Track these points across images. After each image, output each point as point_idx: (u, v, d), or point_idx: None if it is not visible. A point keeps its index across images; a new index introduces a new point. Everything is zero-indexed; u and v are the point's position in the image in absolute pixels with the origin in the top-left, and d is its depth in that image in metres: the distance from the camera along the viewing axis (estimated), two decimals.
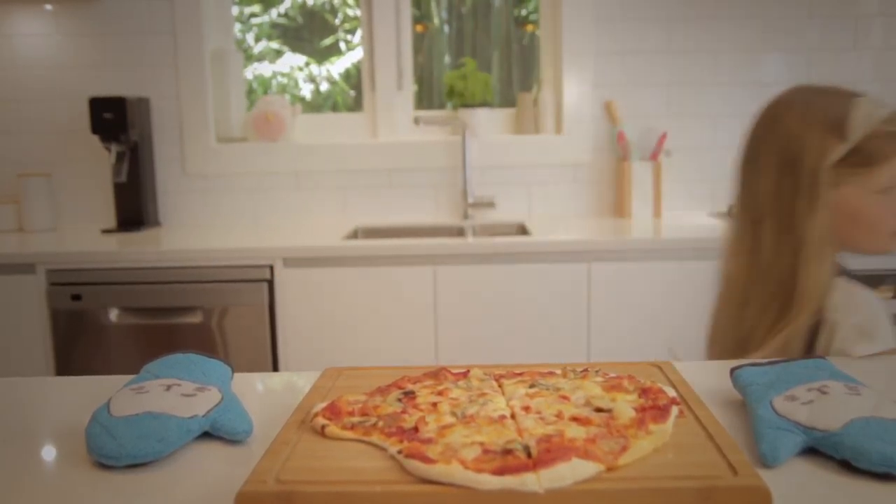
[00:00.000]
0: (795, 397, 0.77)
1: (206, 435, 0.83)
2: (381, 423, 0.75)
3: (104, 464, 0.76)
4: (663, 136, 2.70)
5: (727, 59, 2.77)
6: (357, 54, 3.12)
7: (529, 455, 0.65)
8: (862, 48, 2.76)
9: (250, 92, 3.09)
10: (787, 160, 1.22)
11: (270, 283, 2.28)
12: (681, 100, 2.79)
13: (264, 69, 3.24)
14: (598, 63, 2.77)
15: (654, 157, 2.71)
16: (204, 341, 2.28)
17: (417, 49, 2.99)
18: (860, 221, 1.23)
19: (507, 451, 0.66)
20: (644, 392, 0.80)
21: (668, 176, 2.76)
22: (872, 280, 2.21)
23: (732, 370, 0.89)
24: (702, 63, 2.77)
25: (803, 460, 0.73)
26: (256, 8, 3.29)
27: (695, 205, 2.82)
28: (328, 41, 3.19)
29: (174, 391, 0.85)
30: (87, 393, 0.96)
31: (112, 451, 0.75)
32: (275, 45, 3.23)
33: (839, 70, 2.76)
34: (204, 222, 2.84)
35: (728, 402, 0.89)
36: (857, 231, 1.24)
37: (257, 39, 3.27)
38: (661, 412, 0.74)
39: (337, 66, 3.22)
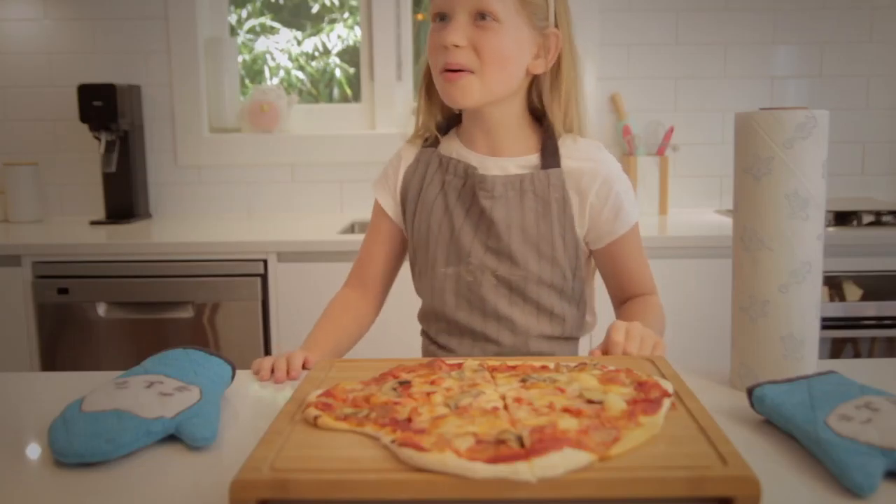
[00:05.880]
0: (849, 416, 0.70)
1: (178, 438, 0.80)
2: (373, 415, 0.75)
3: (59, 461, 0.74)
4: (670, 131, 2.63)
5: (737, 52, 2.70)
6: (350, 33, 3.04)
7: (522, 445, 0.66)
8: (878, 41, 2.69)
9: (248, 74, 3.00)
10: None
11: (264, 277, 2.22)
12: (689, 93, 2.72)
13: (258, 45, 3.15)
14: (604, 55, 2.71)
15: (660, 152, 2.65)
16: (195, 337, 2.23)
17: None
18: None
19: (501, 441, 0.66)
20: (640, 385, 0.81)
21: (674, 172, 2.71)
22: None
23: (750, 390, 0.84)
24: (711, 55, 2.70)
25: (887, 483, 0.67)
26: None
27: (702, 202, 2.76)
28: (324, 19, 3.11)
29: (154, 389, 0.83)
30: (69, 389, 0.95)
31: (63, 447, 0.74)
32: (268, 20, 3.15)
33: (854, 63, 2.69)
34: (196, 215, 2.77)
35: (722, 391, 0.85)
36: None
37: (248, 18, 3.19)
38: (651, 405, 0.75)
39: (334, 40, 3.14)
